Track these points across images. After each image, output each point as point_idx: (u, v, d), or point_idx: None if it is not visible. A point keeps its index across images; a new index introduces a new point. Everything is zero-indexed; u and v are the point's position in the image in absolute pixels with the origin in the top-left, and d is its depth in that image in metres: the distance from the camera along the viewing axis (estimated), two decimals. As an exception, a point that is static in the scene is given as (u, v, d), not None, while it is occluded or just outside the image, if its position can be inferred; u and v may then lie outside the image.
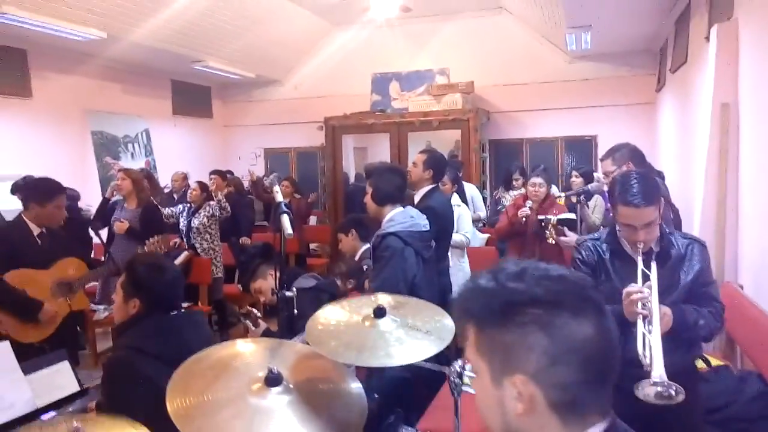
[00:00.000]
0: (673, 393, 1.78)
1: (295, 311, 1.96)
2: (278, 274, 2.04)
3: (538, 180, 4.49)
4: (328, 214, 8.31)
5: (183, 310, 2.32)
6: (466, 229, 4.60)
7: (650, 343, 1.89)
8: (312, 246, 8.48)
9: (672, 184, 4.44)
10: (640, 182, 2.06)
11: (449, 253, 4.06)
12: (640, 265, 2.05)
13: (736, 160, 3.60)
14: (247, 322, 2.68)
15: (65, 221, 3.83)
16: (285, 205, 1.81)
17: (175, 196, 7.18)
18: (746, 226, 3.49)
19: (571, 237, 3.79)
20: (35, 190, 3.57)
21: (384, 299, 1.91)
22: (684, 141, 5.46)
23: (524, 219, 4.70)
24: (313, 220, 8.86)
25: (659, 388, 1.79)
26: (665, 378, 1.80)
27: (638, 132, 7.24)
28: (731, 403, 2.43)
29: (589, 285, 0.87)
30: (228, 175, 7.46)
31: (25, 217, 3.52)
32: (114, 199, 5.18)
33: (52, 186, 3.61)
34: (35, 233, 3.52)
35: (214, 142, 9.96)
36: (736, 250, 3.60)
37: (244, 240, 6.81)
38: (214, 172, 7.02)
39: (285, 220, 1.80)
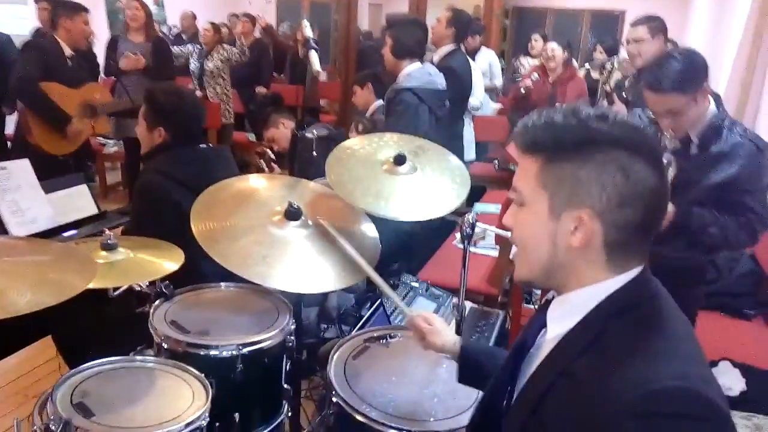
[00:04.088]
0: None
1: (314, 153, 1.98)
2: (299, 116, 2.03)
3: (553, 44, 4.29)
4: (338, 70, 8.08)
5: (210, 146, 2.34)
6: (477, 94, 4.51)
7: None
8: (321, 102, 8.35)
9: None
10: (677, 65, 1.86)
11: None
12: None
13: (770, 46, 3.47)
14: (261, 162, 2.71)
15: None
16: (314, 41, 1.75)
17: (184, 36, 6.94)
18: (766, 115, 3.45)
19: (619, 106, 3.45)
20: (64, 3, 3.75)
21: (404, 146, 1.90)
22: (719, 25, 5.23)
23: (523, 91, 4.53)
24: (323, 75, 8.66)
25: None
26: None
27: (671, 11, 6.88)
28: (719, 279, 2.56)
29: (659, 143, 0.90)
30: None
31: (57, 37, 3.68)
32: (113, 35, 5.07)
33: (76, 2, 3.81)
34: (67, 54, 3.69)
35: (224, -17, 9.44)
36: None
37: (261, 89, 6.66)
38: (246, 15, 6.70)
39: (313, 56, 1.75)
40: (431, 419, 1.39)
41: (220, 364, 1.47)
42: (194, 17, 7.11)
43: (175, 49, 5.55)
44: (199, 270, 1.74)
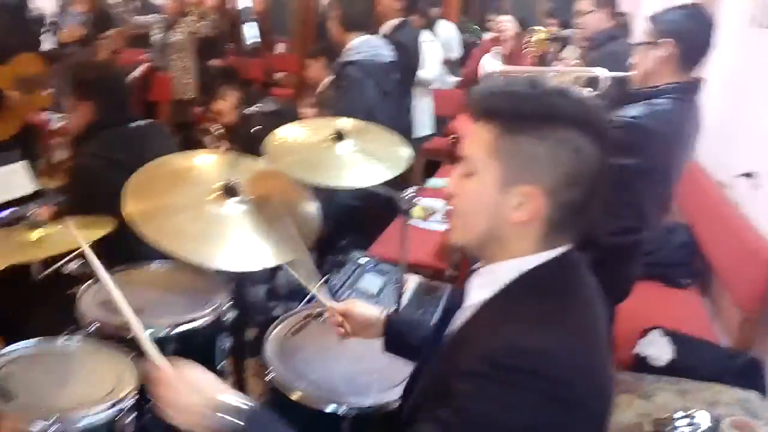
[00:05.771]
0: None
1: (260, 126, 1.95)
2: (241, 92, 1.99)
3: (506, 17, 4.30)
4: (295, 42, 7.92)
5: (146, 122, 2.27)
6: (432, 67, 4.48)
7: None
8: (277, 75, 8.18)
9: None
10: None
11: (412, 91, 3.99)
12: None
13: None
14: (206, 139, 2.66)
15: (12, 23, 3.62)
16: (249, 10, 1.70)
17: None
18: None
19: None
20: None
21: (346, 123, 1.91)
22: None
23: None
24: (281, 47, 8.48)
25: None
26: None
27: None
28: (657, 250, 2.64)
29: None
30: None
31: None
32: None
33: None
34: None
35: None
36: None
37: (215, 61, 6.44)
38: None
39: (247, 28, 1.70)
40: (368, 393, 1.40)
41: (151, 345, 1.45)
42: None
43: (140, 19, 5.33)
44: (139, 253, 1.71)
